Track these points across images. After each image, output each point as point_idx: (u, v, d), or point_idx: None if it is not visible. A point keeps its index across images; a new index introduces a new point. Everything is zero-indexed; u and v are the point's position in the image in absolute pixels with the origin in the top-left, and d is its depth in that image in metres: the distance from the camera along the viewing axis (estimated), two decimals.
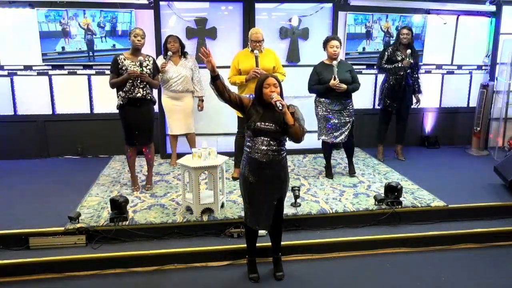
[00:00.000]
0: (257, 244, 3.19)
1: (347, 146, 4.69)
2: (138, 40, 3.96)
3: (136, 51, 4.03)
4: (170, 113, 4.96)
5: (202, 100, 5.03)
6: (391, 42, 5.59)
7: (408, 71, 5.09)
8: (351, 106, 4.53)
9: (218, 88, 2.81)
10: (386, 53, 5.15)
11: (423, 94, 5.44)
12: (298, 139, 2.85)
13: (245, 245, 3.18)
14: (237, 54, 4.46)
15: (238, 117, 4.46)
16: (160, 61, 4.72)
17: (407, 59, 4.94)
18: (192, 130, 5.08)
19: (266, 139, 2.85)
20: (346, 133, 4.51)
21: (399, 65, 5.00)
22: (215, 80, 2.80)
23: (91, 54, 5.30)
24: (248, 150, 2.93)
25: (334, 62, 4.34)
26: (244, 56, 4.37)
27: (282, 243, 3.22)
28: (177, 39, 4.76)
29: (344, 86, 4.31)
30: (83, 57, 5.31)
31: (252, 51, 4.29)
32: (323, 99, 4.47)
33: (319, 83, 4.43)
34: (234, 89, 4.50)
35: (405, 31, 5.07)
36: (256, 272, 3.16)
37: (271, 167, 2.88)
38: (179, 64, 4.80)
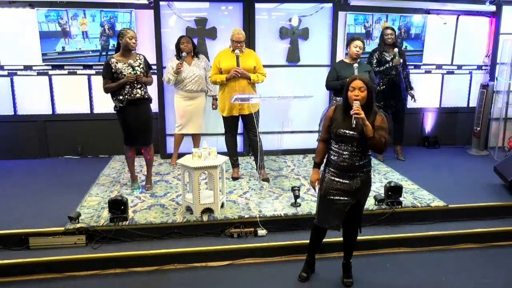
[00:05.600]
0: (256, 244, 3.18)
1: None
2: (133, 43, 3.95)
3: (127, 52, 4.00)
4: (183, 113, 4.96)
5: (216, 99, 5.03)
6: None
7: (400, 69, 5.11)
8: None
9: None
10: (374, 57, 5.18)
11: (415, 90, 5.45)
12: (379, 151, 2.76)
13: (246, 245, 3.18)
14: (218, 54, 4.48)
15: (222, 117, 4.49)
16: (174, 62, 4.77)
17: (396, 57, 4.97)
18: (203, 130, 5.11)
19: (347, 144, 2.74)
20: None
21: (391, 64, 5.03)
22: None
23: (104, 53, 5.31)
24: (329, 151, 2.84)
25: (355, 65, 4.39)
26: (225, 55, 4.39)
27: (281, 243, 3.21)
28: (190, 40, 4.81)
29: None
30: (83, 57, 5.31)
31: (233, 51, 4.31)
32: (339, 98, 4.46)
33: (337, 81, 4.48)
34: (215, 88, 4.51)
35: (388, 31, 5.12)
36: (307, 271, 3.11)
37: (350, 172, 2.78)
38: (193, 64, 4.83)
